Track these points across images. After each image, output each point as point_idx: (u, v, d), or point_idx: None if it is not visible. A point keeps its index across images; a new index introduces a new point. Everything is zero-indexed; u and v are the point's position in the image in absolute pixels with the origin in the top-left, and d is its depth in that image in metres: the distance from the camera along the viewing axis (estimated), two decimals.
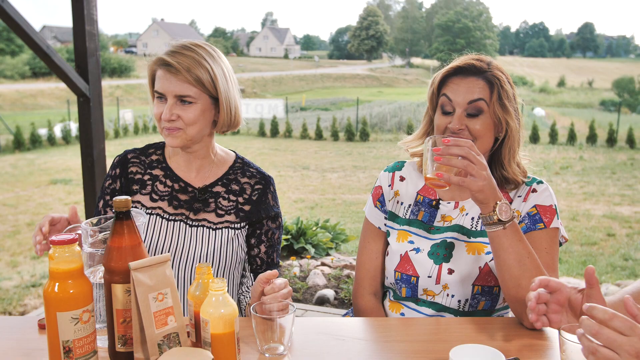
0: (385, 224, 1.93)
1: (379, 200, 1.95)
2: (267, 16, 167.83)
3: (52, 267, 1.21)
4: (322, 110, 29.95)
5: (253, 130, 21.09)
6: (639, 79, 46.29)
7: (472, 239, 1.77)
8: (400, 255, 1.81)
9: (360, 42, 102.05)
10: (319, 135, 20.21)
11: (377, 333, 1.61)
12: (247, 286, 1.96)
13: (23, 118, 23.61)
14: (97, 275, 1.39)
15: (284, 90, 49.29)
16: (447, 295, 1.75)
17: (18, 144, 17.07)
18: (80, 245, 1.37)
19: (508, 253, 1.55)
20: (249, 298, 1.88)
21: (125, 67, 51.62)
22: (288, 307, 1.46)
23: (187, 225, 1.87)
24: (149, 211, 1.89)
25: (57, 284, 1.21)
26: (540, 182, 1.81)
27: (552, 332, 1.54)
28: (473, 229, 1.78)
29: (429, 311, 1.78)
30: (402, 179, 1.94)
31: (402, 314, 1.83)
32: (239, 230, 1.91)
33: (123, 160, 1.97)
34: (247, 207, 1.93)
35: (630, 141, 17.27)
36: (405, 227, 1.86)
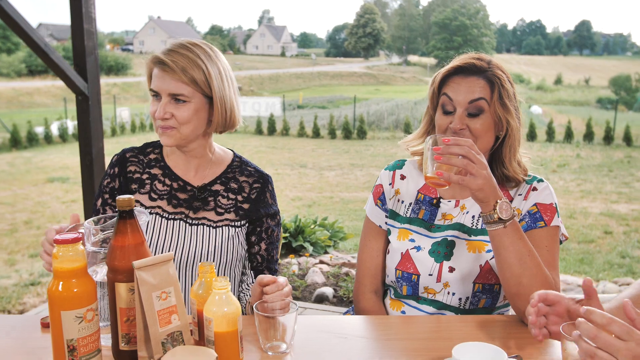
0: (386, 223, 1.93)
1: (380, 199, 1.95)
2: (263, 14, 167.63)
3: (56, 266, 1.21)
4: (319, 108, 29.97)
5: (250, 128, 21.07)
6: (636, 76, 46.41)
7: (473, 237, 1.77)
8: (401, 253, 1.82)
9: (357, 40, 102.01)
10: (317, 133, 20.22)
11: (378, 331, 1.62)
12: (247, 284, 1.97)
13: (19, 116, 23.56)
14: (98, 274, 1.39)
15: (281, 88, 49.25)
16: (448, 293, 1.76)
17: (15, 142, 17.04)
18: (83, 244, 1.37)
19: (509, 251, 1.56)
20: (248, 296, 1.89)
21: (121, 65, 51.47)
22: (290, 306, 1.47)
23: (187, 224, 1.88)
24: (148, 210, 1.89)
25: (61, 282, 1.21)
26: (541, 180, 1.82)
27: None
28: (474, 227, 1.79)
29: (430, 309, 1.79)
30: (402, 177, 1.95)
31: (403, 312, 1.83)
32: (239, 228, 1.92)
33: (121, 159, 1.97)
34: (246, 206, 1.94)
35: (627, 139, 17.31)
36: (406, 226, 1.87)
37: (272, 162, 14.58)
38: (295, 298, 4.69)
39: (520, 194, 1.80)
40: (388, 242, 1.92)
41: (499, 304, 1.80)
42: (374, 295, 1.92)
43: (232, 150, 2.06)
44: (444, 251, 1.78)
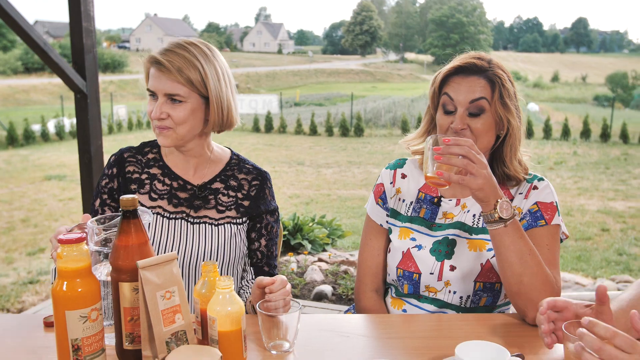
0: (387, 221, 1.94)
1: (381, 198, 1.96)
2: (260, 11, 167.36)
3: (61, 266, 1.21)
4: (316, 106, 29.96)
5: (247, 125, 21.05)
6: (633, 74, 46.51)
7: (474, 236, 1.78)
8: (403, 252, 1.83)
9: (354, 37, 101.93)
10: (314, 131, 20.21)
11: (380, 330, 1.63)
12: (247, 280, 1.97)
13: (16, 114, 23.52)
14: (101, 273, 1.40)
15: (277, 85, 49.23)
16: (449, 291, 1.77)
17: (11, 140, 16.99)
18: (86, 243, 1.37)
19: (509, 250, 1.57)
20: (248, 293, 1.90)
21: (118, 63, 51.35)
22: (293, 305, 1.48)
23: (189, 223, 1.88)
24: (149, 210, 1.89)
25: (65, 282, 1.21)
26: (542, 179, 1.82)
27: None
28: (474, 225, 1.80)
29: (431, 307, 1.80)
30: (403, 176, 1.95)
31: (404, 311, 1.84)
32: (241, 226, 1.93)
33: (119, 159, 1.96)
34: (246, 203, 1.95)
35: (624, 136, 17.36)
36: (407, 224, 1.88)
37: (269, 160, 14.58)
38: (294, 296, 4.70)
39: (521, 193, 1.81)
40: (389, 240, 1.92)
41: (500, 302, 1.81)
42: (375, 294, 1.93)
43: (229, 149, 2.06)
44: (445, 250, 1.79)
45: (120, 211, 1.29)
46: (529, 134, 17.69)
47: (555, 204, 1.77)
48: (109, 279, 1.34)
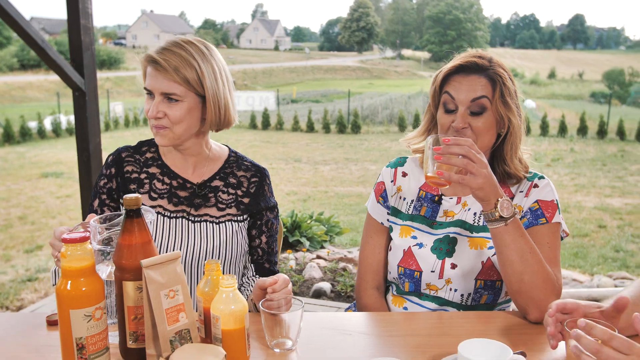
0: (388, 220, 1.95)
1: (382, 196, 1.96)
2: (257, 8, 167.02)
3: (65, 265, 1.22)
4: (313, 102, 29.93)
5: (244, 122, 21.03)
6: (629, 70, 46.57)
7: (475, 234, 1.79)
8: (404, 250, 1.83)
9: (351, 34, 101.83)
10: (311, 128, 20.21)
11: (382, 328, 1.64)
12: (247, 277, 1.98)
13: (12, 111, 23.45)
14: (103, 272, 1.40)
15: (274, 82, 49.15)
16: (450, 289, 1.77)
17: (8, 137, 16.94)
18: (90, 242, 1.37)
19: (510, 249, 1.58)
20: (249, 290, 1.90)
21: (114, 59, 51.15)
22: (296, 303, 1.48)
23: (190, 222, 1.88)
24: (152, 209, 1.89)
25: (69, 281, 1.22)
26: (542, 177, 1.83)
27: None
28: (475, 224, 1.80)
29: (432, 305, 1.80)
30: (404, 174, 1.96)
31: (405, 309, 1.85)
32: (242, 223, 1.93)
33: (117, 159, 1.95)
34: (246, 200, 1.95)
35: (621, 133, 17.39)
36: (408, 223, 1.88)
37: (266, 157, 14.57)
38: (294, 294, 4.70)
39: (522, 191, 1.82)
40: (390, 238, 1.93)
41: (501, 299, 1.82)
42: (376, 292, 1.93)
43: (227, 146, 2.07)
44: (445, 248, 1.79)
45: (124, 210, 1.29)
46: (526, 130, 17.72)
47: (555, 202, 1.78)
48: (112, 278, 1.34)
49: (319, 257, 5.59)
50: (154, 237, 1.84)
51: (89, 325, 1.23)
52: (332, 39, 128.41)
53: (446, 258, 1.78)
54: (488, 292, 1.77)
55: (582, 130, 17.87)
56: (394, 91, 34.28)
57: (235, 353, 1.30)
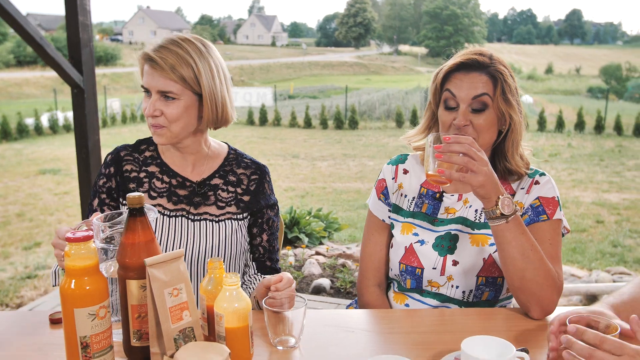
0: (389, 217, 1.95)
1: (383, 193, 1.97)
2: (253, 3, 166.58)
3: (68, 264, 1.22)
4: (310, 98, 29.92)
5: (241, 118, 21.00)
6: (627, 65, 46.64)
7: (476, 231, 1.79)
8: (405, 247, 1.84)
9: (348, 30, 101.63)
10: (308, 124, 20.20)
11: (384, 325, 1.64)
12: (249, 275, 1.98)
13: (8, 107, 23.36)
14: (104, 271, 1.40)
15: (271, 78, 49.09)
16: (452, 286, 1.78)
17: (5, 134, 16.89)
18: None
19: (511, 246, 1.58)
20: (252, 288, 1.90)
21: (111, 56, 50.98)
22: (299, 300, 1.48)
23: (189, 220, 1.88)
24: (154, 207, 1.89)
25: (73, 280, 1.22)
26: (543, 174, 1.83)
27: None
28: (477, 221, 1.81)
29: (434, 302, 1.81)
30: (405, 171, 1.96)
31: (407, 305, 1.85)
32: (242, 221, 1.93)
33: (116, 158, 1.95)
34: (246, 198, 1.95)
35: (618, 128, 17.42)
36: (410, 220, 1.89)
37: (264, 153, 14.57)
38: None
39: (523, 188, 1.82)
40: (391, 236, 1.93)
41: (502, 296, 1.83)
42: (377, 289, 1.94)
43: (226, 143, 2.06)
44: (447, 245, 1.80)
45: (127, 209, 1.29)
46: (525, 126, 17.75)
47: (556, 198, 1.78)
48: (114, 276, 1.34)
49: (317, 253, 5.60)
50: None
51: (93, 324, 1.23)
52: (329, 35, 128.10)
53: (447, 255, 1.78)
54: (489, 288, 1.78)
55: (580, 125, 17.89)
56: (392, 87, 34.29)
57: (238, 351, 1.31)
